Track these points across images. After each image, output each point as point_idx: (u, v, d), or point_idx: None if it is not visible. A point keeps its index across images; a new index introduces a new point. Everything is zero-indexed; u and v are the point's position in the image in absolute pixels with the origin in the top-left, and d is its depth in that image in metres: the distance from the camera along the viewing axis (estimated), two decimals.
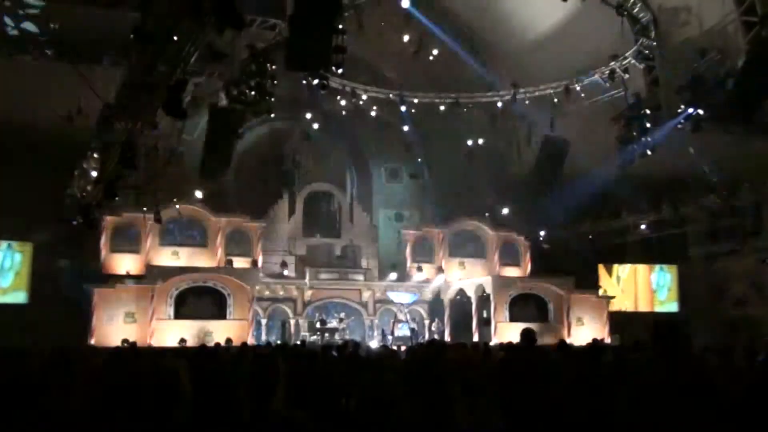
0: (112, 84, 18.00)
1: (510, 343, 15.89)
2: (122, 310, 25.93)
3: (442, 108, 30.13)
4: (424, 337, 29.94)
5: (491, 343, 23.16)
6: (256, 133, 33.72)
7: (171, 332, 25.58)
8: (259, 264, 30.45)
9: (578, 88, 26.97)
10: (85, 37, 20.25)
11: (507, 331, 27.40)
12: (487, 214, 34.46)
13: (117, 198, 20.53)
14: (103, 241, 28.67)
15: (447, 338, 29.58)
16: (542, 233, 32.47)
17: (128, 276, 27.58)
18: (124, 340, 23.47)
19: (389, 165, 37.33)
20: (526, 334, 7.89)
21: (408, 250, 33.96)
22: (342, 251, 32.27)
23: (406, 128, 32.06)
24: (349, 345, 15.85)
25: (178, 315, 26.50)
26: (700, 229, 31.39)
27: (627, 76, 25.51)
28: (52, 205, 25.39)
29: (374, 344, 27.26)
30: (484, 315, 29.70)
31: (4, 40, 19.97)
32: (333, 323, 29.04)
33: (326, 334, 27.84)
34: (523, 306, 29.76)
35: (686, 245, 32.97)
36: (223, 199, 32.35)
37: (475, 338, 28.54)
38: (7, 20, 19.08)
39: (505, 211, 33.56)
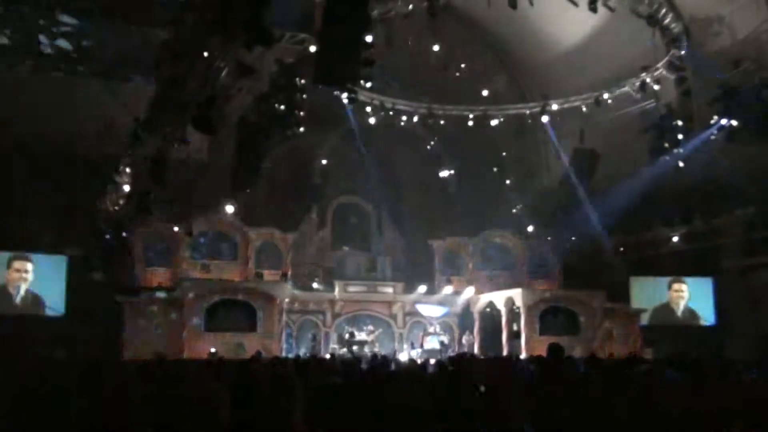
0: (143, 100, 18.23)
1: (540, 357, 15.68)
2: (154, 322, 26.13)
3: (471, 120, 30.03)
4: (453, 350, 29.78)
5: (521, 356, 23.00)
6: (285, 146, 33.76)
7: (202, 345, 25.73)
8: (289, 276, 30.53)
9: (608, 100, 26.74)
10: (116, 54, 20.54)
11: (537, 345, 27.17)
12: (516, 226, 34.28)
13: (150, 213, 20.72)
14: (135, 254, 28.94)
15: (477, 351, 29.39)
16: (572, 246, 32.17)
17: (160, 288, 27.82)
18: (156, 353, 23.68)
19: (418, 177, 37.27)
20: (553, 349, 7.76)
21: (437, 263, 33.86)
22: (371, 263, 32.25)
23: (434, 140, 32.05)
24: (378, 358, 15.82)
25: (209, 327, 26.62)
26: (734, 241, 30.91)
27: (658, 87, 25.25)
28: (86, 220, 25.73)
29: (404, 357, 27.17)
30: (514, 328, 29.47)
31: (38, 57, 20.31)
32: (362, 336, 29.00)
33: (355, 347, 27.80)
34: (554, 319, 29.49)
35: (720, 257, 32.49)
36: (253, 213, 32.53)
37: (505, 351, 28.32)
38: (42, 38, 19.40)
39: (535, 223, 33.34)
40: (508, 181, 32.60)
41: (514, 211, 34.20)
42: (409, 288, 32.58)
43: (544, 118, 29.20)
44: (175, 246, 29.58)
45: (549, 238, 32.69)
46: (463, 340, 30.96)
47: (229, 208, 29.56)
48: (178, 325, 26.14)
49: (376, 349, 27.74)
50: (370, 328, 29.92)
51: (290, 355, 24.53)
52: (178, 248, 29.59)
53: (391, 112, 30.01)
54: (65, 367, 10.98)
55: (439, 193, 35.85)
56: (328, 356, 23.74)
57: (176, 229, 28.15)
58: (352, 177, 34.55)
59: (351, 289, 30.92)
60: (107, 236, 23.22)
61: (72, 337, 24.35)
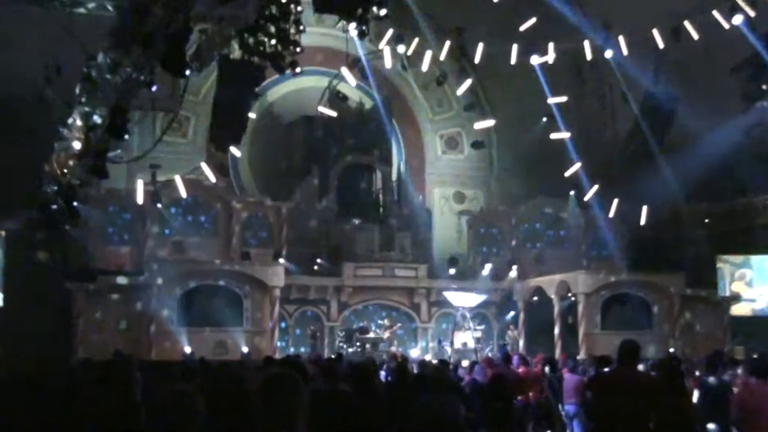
0: (98, 34, 18.14)
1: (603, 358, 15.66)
2: (114, 314, 26.29)
3: (513, 58, 29.80)
4: (492, 348, 29.87)
5: (578, 357, 23.03)
6: (277, 92, 33.82)
7: (174, 343, 25.90)
8: (284, 257, 30.57)
9: (690, 30, 26.43)
10: None
11: (599, 343, 27.18)
12: (572, 192, 34.11)
13: (106, 176, 20.74)
14: (90, 229, 29.02)
15: (522, 350, 29.45)
16: (644, 217, 32.04)
17: (121, 272, 27.95)
18: (117, 352, 23.87)
19: (446, 131, 37.18)
20: (626, 348, 7.70)
21: (471, 239, 33.84)
22: (387, 241, 32.27)
23: (467, 84, 31.80)
24: (398, 360, 15.89)
25: (184, 321, 26.78)
26: None
27: (754, 12, 24.90)
28: (26, 185, 25.79)
29: (429, 358, 27.27)
30: (569, 321, 29.49)
31: None
32: (376, 332, 29.11)
33: (367, 346, 27.91)
34: (620, 310, 29.45)
35: None
36: (238, 176, 32.57)
37: (558, 351, 28.36)
38: None
39: (596, 188, 33.18)
40: (561, 135, 32.32)
41: (570, 172, 34.03)
42: (436, 271, 32.60)
43: (608, 54, 28.94)
44: (139, 219, 29.68)
45: (614, 207, 32.53)
46: (507, 337, 31.01)
47: (209, 171, 29.52)
48: (145, 317, 26.30)
49: (393, 348, 27.85)
50: (386, 322, 30.00)
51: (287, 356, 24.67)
52: (144, 221, 29.69)
53: (411, 49, 29.83)
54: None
55: (474, 150, 35.72)
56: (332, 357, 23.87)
57: (141, 197, 28.16)
58: (363, 130, 34.45)
59: (362, 272, 30.99)
60: (53, 206, 23.25)
61: (11, 333, 24.56)
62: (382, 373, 15.34)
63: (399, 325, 30.61)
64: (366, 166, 34.56)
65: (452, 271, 32.22)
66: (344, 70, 31.09)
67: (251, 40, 21.82)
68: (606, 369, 11.53)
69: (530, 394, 15.19)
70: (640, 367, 9.53)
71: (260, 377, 4.34)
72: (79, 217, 24.54)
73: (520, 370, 15.43)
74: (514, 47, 29.28)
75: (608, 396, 7.45)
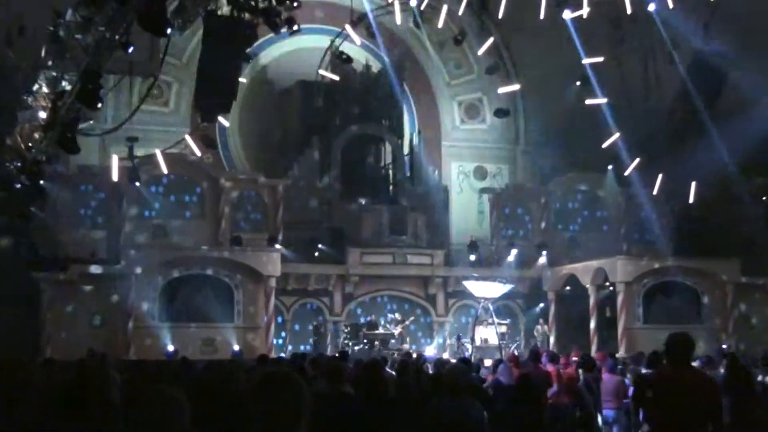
0: None
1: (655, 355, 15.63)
2: (87, 308, 26.34)
3: (542, 13, 29.70)
4: (518, 345, 29.89)
5: (618, 355, 23.06)
6: (272, 53, 33.76)
7: (156, 340, 25.96)
8: (280, 242, 30.57)
9: None
10: None
11: (640, 338, 27.18)
12: (610, 167, 34.05)
13: (77, 150, 20.77)
14: (59, 210, 29.06)
15: (552, 347, 29.48)
16: (692, 194, 31.99)
17: (95, 260, 28.00)
18: (91, 351, 23.95)
19: (466, 97, 37.08)
20: (678, 342, 7.65)
21: (494, 220, 33.80)
22: (398, 223, 32.25)
23: (489, 43, 31.71)
24: (412, 358, 15.92)
25: (166, 316, 26.84)
26: None
27: None
28: None
29: (446, 356, 27.32)
30: (607, 314, 29.48)
31: None
32: (386, 327, 29.13)
33: (376, 343, 27.94)
34: (665, 301, 29.46)
35: None
36: (228, 150, 32.54)
37: (594, 348, 28.39)
38: None
39: (637, 162, 33.13)
40: (597, 101, 32.24)
41: (608, 144, 33.97)
42: (454, 257, 32.59)
43: (651, 7, 28.84)
44: (115, 199, 29.69)
45: (658, 184, 32.48)
46: (536, 333, 31.01)
47: (193, 144, 29.56)
48: (122, 312, 26.37)
49: (405, 346, 27.89)
50: (397, 315, 30.02)
51: (283, 355, 24.74)
52: (120, 202, 29.70)
53: (425, 3, 29.75)
54: None
55: (498, 119, 35.64)
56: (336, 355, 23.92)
57: (116, 174, 28.21)
58: (370, 97, 34.40)
59: (369, 259, 31.00)
60: (17, 185, 23.31)
61: None
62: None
63: (412, 319, 30.62)
64: (373, 138, 34.50)
65: (473, 257, 32.20)
66: (348, 28, 31.10)
67: None
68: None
69: (563, 397, 15.21)
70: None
71: (255, 378, 4.30)
72: (46, 197, 24.63)
73: (550, 369, 15.42)
74: None
75: (665, 398, 7.38)
